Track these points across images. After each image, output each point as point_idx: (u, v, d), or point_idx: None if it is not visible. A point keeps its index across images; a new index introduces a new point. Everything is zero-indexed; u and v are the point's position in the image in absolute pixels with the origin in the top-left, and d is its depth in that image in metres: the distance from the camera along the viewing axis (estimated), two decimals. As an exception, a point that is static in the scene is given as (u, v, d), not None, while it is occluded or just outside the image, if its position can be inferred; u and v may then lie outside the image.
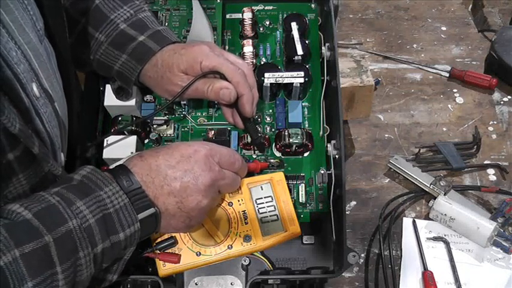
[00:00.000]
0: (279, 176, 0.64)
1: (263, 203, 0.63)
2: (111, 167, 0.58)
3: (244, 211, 0.62)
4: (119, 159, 0.65)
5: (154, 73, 0.64)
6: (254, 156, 0.69)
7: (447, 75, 1.03)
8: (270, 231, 0.62)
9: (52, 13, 0.55)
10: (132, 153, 0.65)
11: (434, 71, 1.04)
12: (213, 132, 0.69)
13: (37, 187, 0.51)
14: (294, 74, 0.69)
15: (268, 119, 0.71)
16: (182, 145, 0.56)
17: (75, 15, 0.65)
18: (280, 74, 0.70)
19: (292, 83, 0.69)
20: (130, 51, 0.64)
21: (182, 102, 0.71)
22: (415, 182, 0.89)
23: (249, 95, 0.63)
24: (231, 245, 0.60)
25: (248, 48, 0.74)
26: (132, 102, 0.68)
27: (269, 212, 0.63)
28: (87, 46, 0.65)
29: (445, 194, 0.86)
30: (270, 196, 0.63)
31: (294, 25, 0.73)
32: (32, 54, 0.50)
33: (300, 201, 0.67)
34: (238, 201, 0.62)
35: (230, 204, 0.62)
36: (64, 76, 0.58)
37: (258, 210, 0.62)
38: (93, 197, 0.49)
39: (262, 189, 0.64)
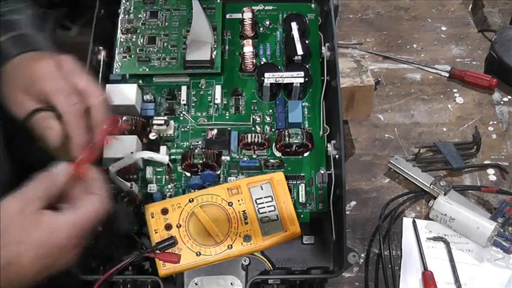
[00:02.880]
0: (279, 176, 0.64)
1: (263, 203, 0.63)
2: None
3: (244, 211, 0.62)
4: (119, 159, 0.65)
5: (2, 82, 0.54)
6: (254, 156, 0.69)
7: (447, 75, 1.03)
8: (270, 231, 0.62)
9: None
10: (132, 153, 0.65)
11: (434, 71, 1.05)
12: (213, 132, 0.69)
13: None
14: (294, 74, 0.69)
15: (268, 119, 0.71)
16: None
17: None
18: (280, 74, 0.70)
19: (292, 83, 0.69)
20: None
21: (182, 102, 0.71)
22: (415, 182, 0.89)
23: (79, 139, 0.50)
24: (231, 245, 0.60)
25: (248, 48, 0.74)
26: (132, 102, 0.68)
27: (269, 212, 0.63)
28: None
29: (445, 194, 0.86)
30: (270, 196, 0.63)
31: (294, 25, 0.73)
32: None
33: (300, 201, 0.67)
34: (238, 201, 0.62)
35: (230, 204, 0.62)
36: None
37: (258, 210, 0.62)
38: None
39: (262, 189, 0.64)
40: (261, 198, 0.63)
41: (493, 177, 0.91)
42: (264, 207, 0.63)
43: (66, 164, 0.48)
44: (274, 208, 0.63)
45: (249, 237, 0.61)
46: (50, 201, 0.46)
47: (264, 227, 0.62)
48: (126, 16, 0.76)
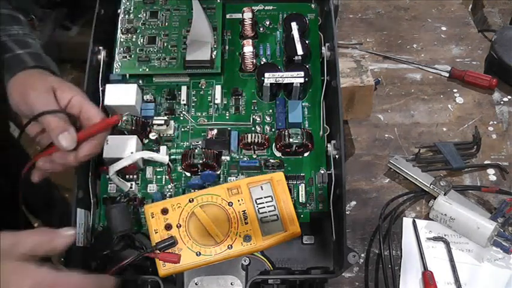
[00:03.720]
0: (279, 176, 0.64)
1: (263, 202, 0.63)
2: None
3: (244, 211, 0.62)
4: (119, 159, 0.65)
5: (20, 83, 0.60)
6: (254, 156, 0.69)
7: (447, 75, 1.03)
8: (270, 231, 0.62)
9: None
10: (132, 153, 0.65)
11: (434, 71, 1.05)
12: (213, 132, 0.69)
13: None
14: (294, 74, 0.69)
15: (268, 119, 0.71)
16: None
17: None
18: (280, 74, 0.70)
19: (292, 83, 0.69)
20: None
21: (182, 102, 0.71)
22: (415, 182, 0.89)
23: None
24: (231, 245, 0.60)
25: (248, 48, 0.74)
26: (132, 102, 0.68)
27: (269, 212, 0.63)
28: None
29: (445, 194, 0.86)
30: (269, 196, 0.63)
31: (294, 25, 0.73)
32: None
33: (300, 201, 0.67)
34: (238, 201, 0.62)
35: (230, 204, 0.62)
36: None
37: (258, 210, 0.62)
38: None
39: (262, 189, 0.64)
40: (261, 198, 0.63)
41: (493, 177, 0.91)
42: (264, 207, 0.63)
43: (73, 231, 0.48)
44: (274, 208, 0.63)
45: (249, 237, 0.61)
46: (37, 256, 0.45)
47: (264, 227, 0.62)
48: (126, 16, 0.76)
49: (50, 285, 0.43)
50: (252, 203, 0.62)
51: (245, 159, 0.69)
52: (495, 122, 0.98)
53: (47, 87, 0.58)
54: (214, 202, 0.62)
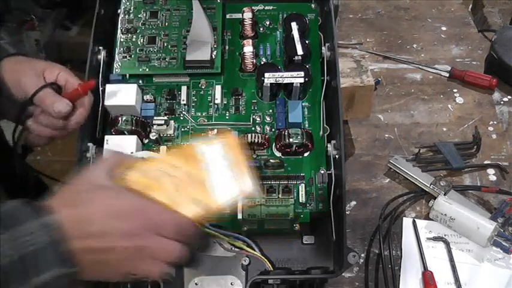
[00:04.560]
0: (231, 139, 0.60)
1: (214, 164, 0.57)
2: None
3: (195, 174, 0.56)
4: (119, 159, 0.65)
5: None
6: (254, 156, 0.69)
7: (447, 75, 1.03)
8: (222, 193, 0.56)
9: None
10: (132, 153, 0.65)
11: (434, 71, 1.05)
12: (213, 132, 0.69)
13: None
14: (294, 74, 0.69)
15: (268, 119, 0.71)
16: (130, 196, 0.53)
17: None
18: (280, 74, 0.70)
19: (292, 83, 0.69)
20: None
21: (182, 102, 0.71)
22: (415, 182, 0.89)
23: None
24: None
25: (248, 48, 0.74)
26: (132, 102, 0.68)
27: (220, 173, 0.57)
28: None
29: (445, 194, 0.86)
30: (220, 158, 0.58)
31: (294, 25, 0.73)
32: None
33: (300, 201, 0.67)
34: (187, 165, 0.57)
35: (176, 168, 0.57)
36: None
37: (210, 172, 0.57)
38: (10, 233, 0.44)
39: (211, 150, 0.58)
40: (211, 160, 0.57)
41: (493, 177, 0.91)
42: (215, 168, 0.57)
43: None
44: (226, 169, 0.57)
45: (200, 201, 0.55)
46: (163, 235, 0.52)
47: (215, 189, 0.56)
48: (126, 16, 0.76)
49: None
50: (201, 166, 0.57)
51: (245, 159, 0.69)
52: (495, 122, 0.98)
53: (36, 71, 0.63)
54: (159, 169, 0.57)
